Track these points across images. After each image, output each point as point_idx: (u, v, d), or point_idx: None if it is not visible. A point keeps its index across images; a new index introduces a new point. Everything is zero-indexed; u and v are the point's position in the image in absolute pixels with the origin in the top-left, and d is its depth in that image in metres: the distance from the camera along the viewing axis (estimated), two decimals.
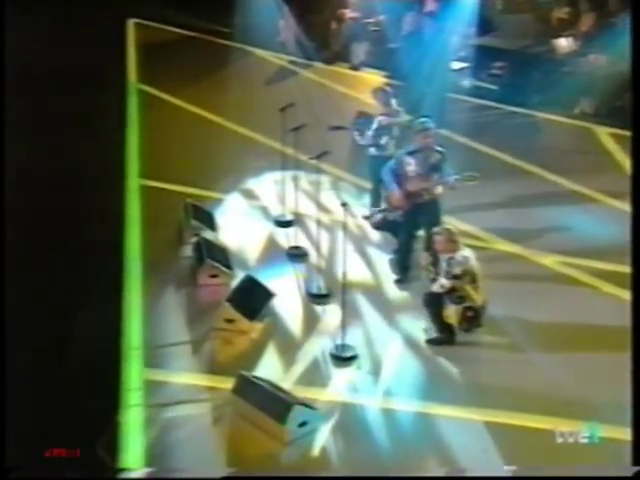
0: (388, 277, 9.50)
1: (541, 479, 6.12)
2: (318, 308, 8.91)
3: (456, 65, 15.29)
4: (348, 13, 16.56)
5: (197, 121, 13.66)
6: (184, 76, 14.98)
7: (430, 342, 8.29)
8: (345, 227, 8.20)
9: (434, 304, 8.21)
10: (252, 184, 11.67)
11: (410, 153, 9.27)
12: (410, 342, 8.34)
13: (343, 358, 8.01)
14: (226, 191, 11.43)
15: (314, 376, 7.85)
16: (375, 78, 15.37)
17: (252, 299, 8.57)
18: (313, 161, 9.50)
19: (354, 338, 8.23)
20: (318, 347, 8.23)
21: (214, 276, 9.10)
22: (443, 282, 8.10)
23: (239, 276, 9.10)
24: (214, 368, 7.90)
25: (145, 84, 14.87)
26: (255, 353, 8.13)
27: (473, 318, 8.16)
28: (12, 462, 6.10)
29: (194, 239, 9.62)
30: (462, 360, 8.04)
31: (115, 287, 8.82)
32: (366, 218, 10.62)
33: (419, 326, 8.45)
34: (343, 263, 8.05)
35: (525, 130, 13.88)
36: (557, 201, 11.18)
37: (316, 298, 9.03)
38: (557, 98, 13.94)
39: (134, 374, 7.70)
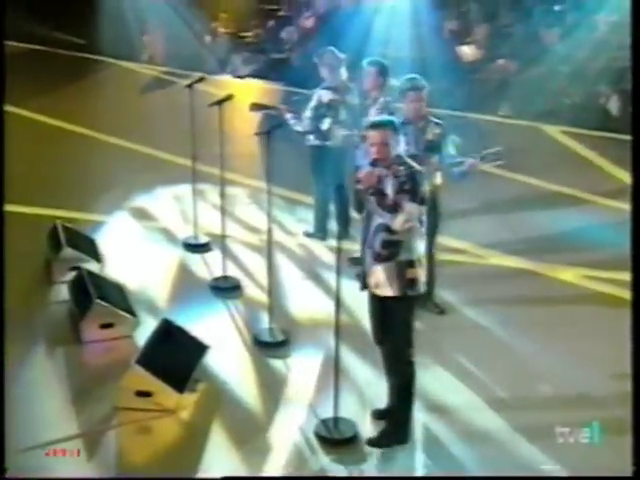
0: (360, 309, 6.54)
1: (541, 479, 4.78)
2: (277, 363, 5.82)
3: None
4: (221, 28, 15.51)
5: (56, 133, 10.92)
6: (31, 87, 12.44)
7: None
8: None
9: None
10: (143, 201, 8.62)
11: None
12: (430, 404, 5.37)
13: (340, 441, 4.95)
14: (107, 212, 8.33)
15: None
16: (269, 87, 13.73)
17: (176, 357, 5.41)
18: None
19: (344, 405, 5.18)
20: (293, 426, 5.10)
21: (108, 325, 5.96)
22: None
23: (146, 323, 5.96)
24: None
25: None
26: (194, 446, 4.93)
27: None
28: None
29: (71, 275, 6.45)
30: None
31: None
32: (309, 236, 7.81)
33: (432, 377, 5.53)
34: (336, 288, 5.05)
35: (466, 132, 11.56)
36: (544, 204, 8.84)
37: (270, 348, 5.96)
38: (478, 103, 12.60)
39: None
